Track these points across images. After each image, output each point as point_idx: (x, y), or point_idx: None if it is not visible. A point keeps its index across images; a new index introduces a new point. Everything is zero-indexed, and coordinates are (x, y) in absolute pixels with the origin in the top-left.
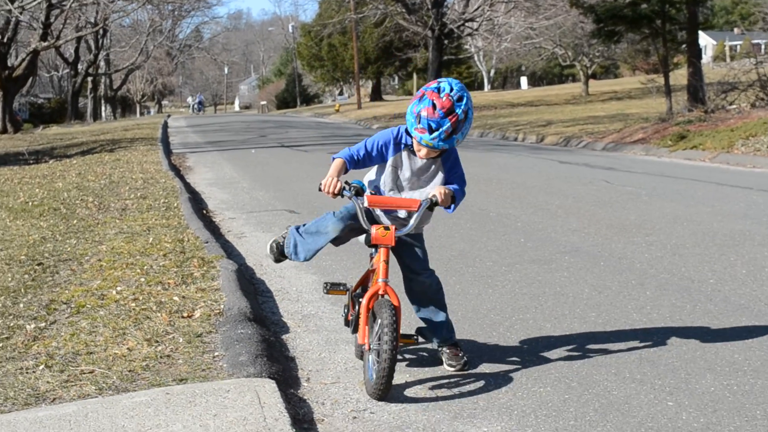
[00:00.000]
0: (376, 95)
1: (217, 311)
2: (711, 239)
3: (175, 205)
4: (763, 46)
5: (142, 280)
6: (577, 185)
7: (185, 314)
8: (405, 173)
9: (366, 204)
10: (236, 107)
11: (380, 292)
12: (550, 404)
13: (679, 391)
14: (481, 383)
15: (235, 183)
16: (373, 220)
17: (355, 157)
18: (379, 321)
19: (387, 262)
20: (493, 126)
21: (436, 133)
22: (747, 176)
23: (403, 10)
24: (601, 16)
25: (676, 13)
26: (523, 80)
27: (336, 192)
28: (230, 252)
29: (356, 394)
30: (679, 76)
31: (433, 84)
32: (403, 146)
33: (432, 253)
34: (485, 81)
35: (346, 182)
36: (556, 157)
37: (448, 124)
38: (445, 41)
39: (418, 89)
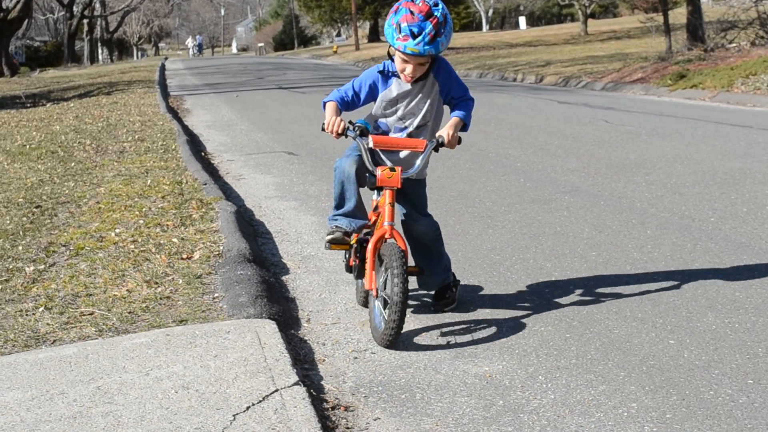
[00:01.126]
0: (374, 36)
1: (217, 253)
2: (711, 178)
3: (173, 147)
4: None
5: (141, 222)
6: (577, 125)
7: (184, 256)
8: (398, 102)
9: (371, 144)
10: (234, 49)
11: (386, 236)
12: (551, 343)
13: (680, 329)
14: (482, 324)
15: (234, 125)
16: (375, 162)
17: (346, 99)
18: (387, 267)
19: (393, 204)
20: (492, 66)
21: (419, 38)
22: (747, 115)
23: None
24: None
25: None
26: (522, 20)
27: (340, 132)
28: (229, 194)
29: (357, 334)
30: (679, 14)
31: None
32: (391, 76)
33: (432, 193)
34: (483, 21)
35: (350, 122)
36: (555, 98)
37: (430, 26)
38: None
39: None
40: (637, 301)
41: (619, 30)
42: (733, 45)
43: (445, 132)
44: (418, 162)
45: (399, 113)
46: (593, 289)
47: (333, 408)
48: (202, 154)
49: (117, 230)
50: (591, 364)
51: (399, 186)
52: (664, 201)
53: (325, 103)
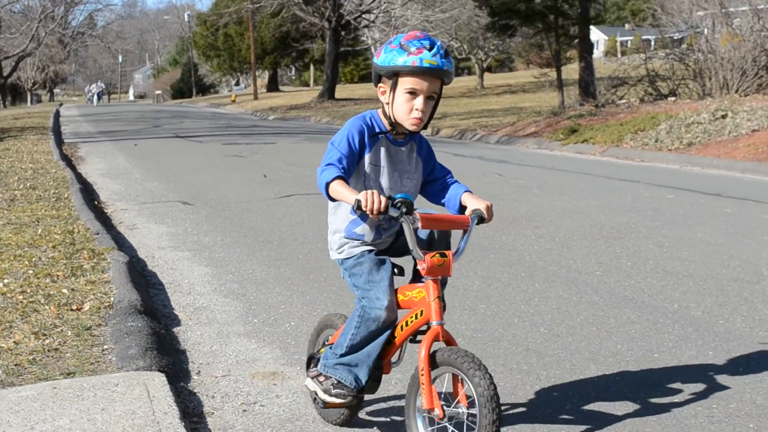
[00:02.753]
0: (273, 86)
1: (107, 304)
2: (598, 231)
3: (66, 195)
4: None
5: (30, 272)
6: (471, 178)
7: (74, 307)
8: (390, 171)
9: (419, 225)
10: (131, 96)
11: (440, 339)
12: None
13: (563, 381)
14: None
15: (128, 174)
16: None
17: (346, 167)
18: (468, 385)
19: (442, 298)
20: None
21: (435, 49)
22: (635, 170)
23: (300, 1)
24: (496, 9)
25: (568, 8)
26: None
27: (383, 210)
28: (122, 244)
29: (246, 387)
30: (572, 70)
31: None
32: (380, 136)
33: (323, 244)
34: None
35: (390, 197)
36: (451, 150)
37: (439, 42)
38: (342, 33)
39: (315, 81)
40: (523, 353)
41: (514, 84)
42: (623, 101)
43: (481, 204)
44: (463, 243)
45: (373, 177)
46: (480, 341)
47: None
48: (96, 202)
49: (5, 280)
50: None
51: (451, 274)
52: (552, 254)
53: (328, 183)
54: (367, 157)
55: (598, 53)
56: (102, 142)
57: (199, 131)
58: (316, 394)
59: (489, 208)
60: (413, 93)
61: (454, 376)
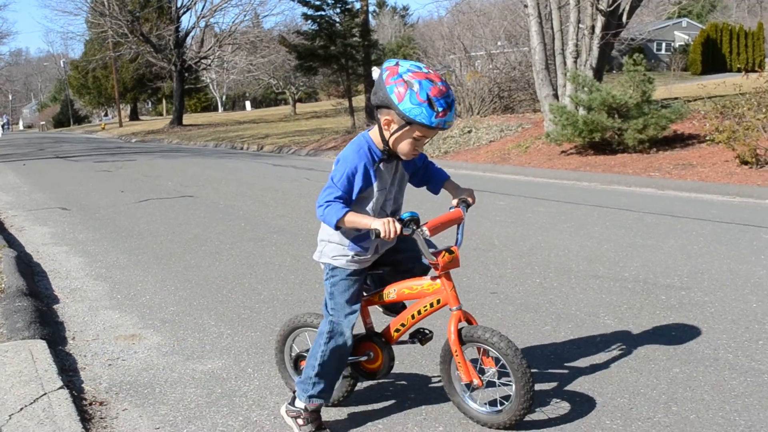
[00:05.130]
0: (134, 116)
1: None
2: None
3: None
4: None
5: None
6: (285, 182)
7: None
8: (389, 188)
9: (428, 234)
10: (20, 127)
11: (462, 320)
12: (259, 344)
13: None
14: (210, 333)
15: (18, 187)
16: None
17: (345, 201)
18: (494, 352)
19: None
20: (224, 138)
21: (452, 108)
22: None
23: (152, 50)
24: (302, 54)
25: (355, 53)
26: (248, 103)
27: (399, 234)
28: (12, 242)
29: (111, 347)
30: (360, 100)
31: (399, 68)
32: (377, 159)
33: (172, 236)
34: (219, 104)
35: (399, 219)
36: (272, 162)
37: (452, 93)
38: (186, 74)
39: (167, 111)
40: (321, 308)
41: (319, 111)
42: None
43: (463, 192)
44: (460, 234)
45: (382, 200)
46: (290, 301)
47: (90, 404)
48: None
49: None
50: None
51: (459, 265)
52: None
53: (339, 220)
54: (375, 187)
55: None
56: None
57: (75, 153)
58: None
59: (471, 194)
60: (420, 139)
61: (478, 348)
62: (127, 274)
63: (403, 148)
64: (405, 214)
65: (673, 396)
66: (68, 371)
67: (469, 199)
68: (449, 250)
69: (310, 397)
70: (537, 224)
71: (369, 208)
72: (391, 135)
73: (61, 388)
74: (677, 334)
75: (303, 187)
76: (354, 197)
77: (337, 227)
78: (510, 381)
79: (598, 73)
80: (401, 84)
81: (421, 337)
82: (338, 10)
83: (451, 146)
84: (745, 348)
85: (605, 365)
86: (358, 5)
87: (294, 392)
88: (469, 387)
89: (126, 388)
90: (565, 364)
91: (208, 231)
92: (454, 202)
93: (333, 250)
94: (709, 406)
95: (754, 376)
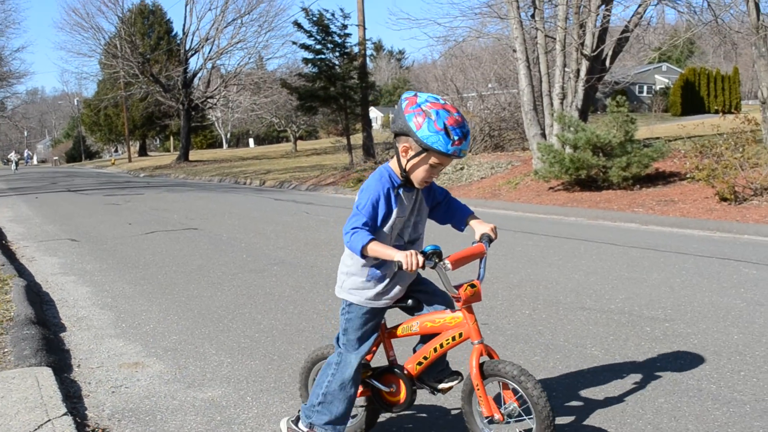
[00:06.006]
0: (143, 152)
1: (8, 317)
2: None
3: None
4: None
5: None
6: (286, 215)
7: None
8: (409, 215)
9: (450, 267)
10: (35, 161)
11: (484, 354)
12: (258, 373)
13: None
14: (210, 360)
15: (30, 219)
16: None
17: (371, 229)
18: (520, 387)
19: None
20: (228, 174)
21: (468, 138)
22: None
23: (161, 90)
24: (303, 95)
25: (354, 94)
26: (251, 140)
27: (421, 266)
28: (22, 272)
29: (115, 374)
30: (358, 138)
31: (417, 99)
32: (397, 187)
33: (175, 266)
34: (224, 141)
35: (422, 252)
36: (273, 196)
37: (467, 125)
38: (193, 112)
39: (174, 147)
40: (319, 340)
41: (318, 148)
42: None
43: (486, 228)
44: (483, 269)
45: (400, 226)
46: (289, 332)
47: (93, 430)
48: (3, 242)
49: None
50: (285, 386)
51: (481, 299)
52: None
53: (364, 247)
54: (395, 212)
55: (377, 125)
56: (10, 196)
57: (86, 186)
58: None
59: (494, 230)
60: (436, 166)
61: (500, 382)
62: (132, 303)
63: (419, 174)
64: (428, 247)
65: (658, 426)
66: (73, 398)
67: (492, 234)
68: (471, 284)
69: (312, 424)
70: (526, 257)
71: (385, 229)
72: (408, 161)
73: (65, 414)
74: (662, 365)
75: (302, 221)
76: (378, 224)
77: (362, 255)
78: (531, 417)
79: (584, 114)
80: (420, 113)
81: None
82: (337, 54)
83: (444, 182)
84: (728, 379)
85: (592, 395)
86: (356, 49)
87: (299, 412)
88: (491, 422)
89: (128, 415)
90: (554, 394)
91: (211, 262)
92: (477, 236)
93: (352, 284)
94: None
95: (737, 407)
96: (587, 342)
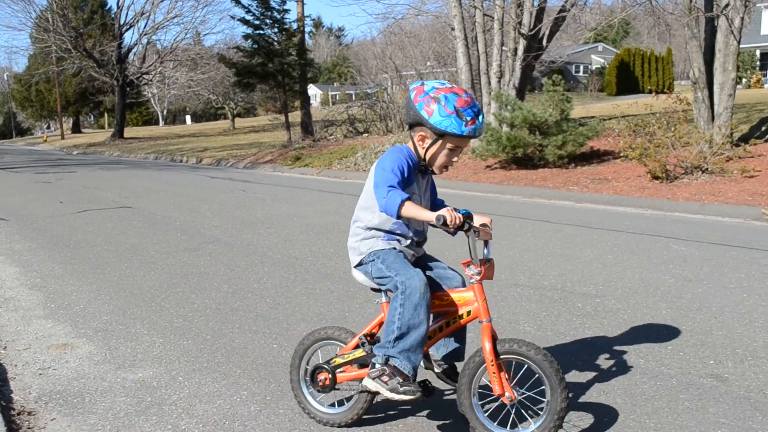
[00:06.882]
0: (76, 128)
1: None
2: (312, 229)
3: None
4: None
5: None
6: (222, 194)
7: None
8: (419, 199)
9: (479, 235)
10: None
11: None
12: (190, 352)
13: (281, 337)
14: (142, 341)
15: None
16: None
17: (403, 186)
18: (535, 364)
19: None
20: (164, 151)
21: (480, 117)
22: (340, 185)
23: (95, 65)
24: (241, 71)
25: (292, 71)
26: (188, 118)
27: (459, 225)
28: None
29: (43, 356)
30: (296, 115)
31: (424, 87)
32: (415, 166)
33: (108, 245)
34: (160, 118)
35: (462, 213)
36: (210, 174)
37: (478, 104)
38: (128, 89)
39: (108, 124)
40: (253, 317)
41: (257, 125)
42: (332, 137)
43: (486, 219)
44: (488, 251)
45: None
46: (223, 311)
47: (19, 414)
48: None
49: None
50: (217, 365)
51: (493, 278)
52: (278, 246)
53: (402, 202)
54: (412, 188)
55: (315, 103)
56: None
57: (16, 164)
58: (381, 393)
59: (490, 221)
60: (454, 150)
61: (510, 361)
62: (61, 283)
63: (440, 160)
64: (462, 210)
65: (587, 400)
66: None
67: (490, 226)
68: (489, 260)
69: (388, 357)
70: (461, 235)
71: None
72: (426, 150)
73: None
74: (592, 340)
75: (239, 199)
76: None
77: (398, 215)
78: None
79: (521, 93)
80: (429, 101)
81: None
82: (276, 30)
83: None
84: (656, 353)
85: None
86: (295, 26)
87: (372, 356)
88: (497, 400)
89: (56, 398)
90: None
91: (145, 241)
92: (478, 223)
93: (367, 244)
94: (621, 409)
95: (663, 380)
96: (520, 318)
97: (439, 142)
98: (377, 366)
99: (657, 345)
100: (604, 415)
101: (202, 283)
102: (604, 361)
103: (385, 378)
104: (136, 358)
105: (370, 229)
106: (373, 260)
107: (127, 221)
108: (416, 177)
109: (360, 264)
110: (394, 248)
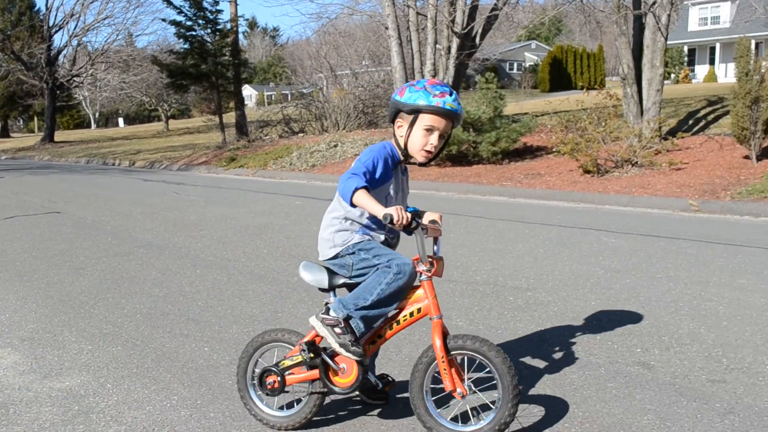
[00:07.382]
0: (5, 133)
1: None
2: (245, 230)
3: None
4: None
5: None
6: (155, 197)
7: None
8: (396, 196)
9: (427, 233)
10: None
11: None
12: (119, 359)
13: (212, 340)
14: (69, 348)
15: None
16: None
17: (369, 180)
18: (486, 359)
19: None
20: (96, 155)
21: (453, 95)
22: (275, 185)
23: (23, 68)
24: (174, 72)
25: (226, 72)
26: (121, 120)
27: (406, 224)
28: None
29: None
30: (231, 116)
31: (405, 87)
32: (396, 161)
33: (37, 252)
34: (92, 121)
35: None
36: (142, 177)
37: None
38: (58, 91)
39: (39, 128)
40: (184, 321)
41: (191, 127)
42: (268, 137)
43: (436, 215)
44: (438, 248)
45: (392, 203)
46: (152, 316)
47: None
48: None
49: None
50: (147, 371)
51: (442, 275)
52: (211, 249)
53: (356, 189)
54: (392, 184)
55: (251, 104)
56: None
57: None
58: (328, 341)
59: (441, 217)
60: (430, 130)
61: (461, 357)
62: None
63: (417, 142)
64: (410, 209)
65: None
66: None
67: (440, 222)
68: (439, 257)
69: (349, 316)
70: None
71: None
72: (406, 138)
73: None
74: (523, 332)
75: (172, 201)
76: (374, 185)
77: (351, 202)
78: (494, 390)
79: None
80: (402, 88)
81: (384, 382)
82: (209, 30)
83: (318, 160)
84: (584, 343)
85: None
86: (229, 26)
87: (327, 305)
88: (449, 398)
89: None
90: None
91: (74, 246)
92: (426, 221)
93: (342, 236)
94: (551, 399)
95: (592, 369)
96: (453, 313)
97: (415, 123)
98: (332, 314)
99: (586, 336)
100: (535, 405)
101: (133, 287)
102: (533, 352)
103: (338, 330)
104: (63, 366)
105: (347, 219)
106: (354, 252)
107: (56, 227)
108: (395, 173)
109: (336, 257)
110: (371, 239)
